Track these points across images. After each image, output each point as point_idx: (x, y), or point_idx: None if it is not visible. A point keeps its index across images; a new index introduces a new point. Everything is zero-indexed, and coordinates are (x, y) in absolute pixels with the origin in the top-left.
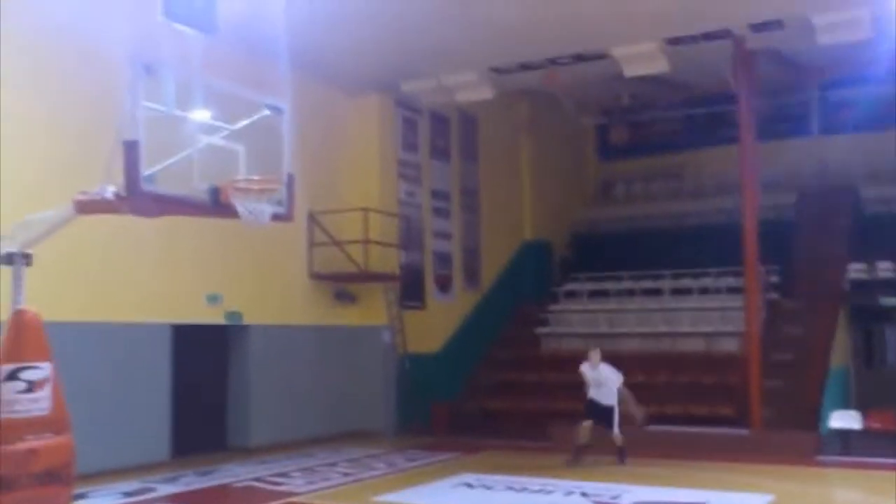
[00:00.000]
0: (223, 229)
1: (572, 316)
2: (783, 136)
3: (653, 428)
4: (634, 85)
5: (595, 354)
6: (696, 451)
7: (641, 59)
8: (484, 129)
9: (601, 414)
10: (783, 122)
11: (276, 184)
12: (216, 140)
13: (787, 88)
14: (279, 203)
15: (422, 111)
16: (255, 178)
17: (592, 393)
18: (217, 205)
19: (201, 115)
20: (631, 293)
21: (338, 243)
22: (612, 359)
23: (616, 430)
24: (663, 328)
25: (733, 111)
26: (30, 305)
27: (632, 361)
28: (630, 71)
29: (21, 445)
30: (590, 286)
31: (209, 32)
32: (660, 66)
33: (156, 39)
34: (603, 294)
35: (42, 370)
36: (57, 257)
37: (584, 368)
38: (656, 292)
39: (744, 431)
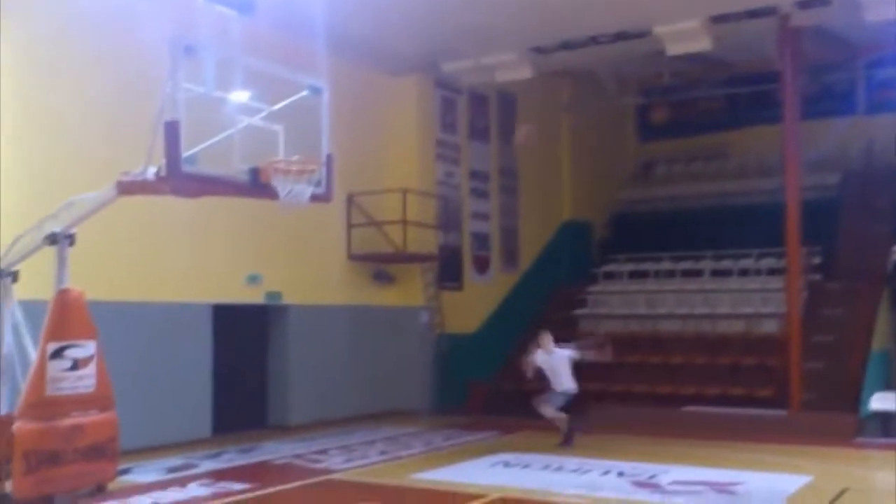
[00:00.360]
0: (263, 210)
1: (611, 297)
2: (828, 115)
3: (691, 409)
4: (676, 63)
5: (547, 338)
6: (735, 432)
7: (684, 37)
8: (524, 108)
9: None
10: (828, 100)
11: (316, 165)
12: (256, 121)
13: (832, 66)
14: (318, 184)
15: (461, 91)
16: (295, 159)
17: (552, 383)
18: (256, 185)
19: (241, 95)
20: (671, 274)
21: (376, 224)
22: (652, 340)
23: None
24: (703, 310)
25: (777, 90)
26: (74, 285)
27: (671, 343)
28: (672, 49)
29: (67, 421)
30: (629, 267)
31: (248, 13)
32: (703, 45)
33: (196, 21)
34: (642, 275)
35: (87, 348)
36: (101, 238)
37: (538, 357)
38: (696, 273)
39: (783, 413)
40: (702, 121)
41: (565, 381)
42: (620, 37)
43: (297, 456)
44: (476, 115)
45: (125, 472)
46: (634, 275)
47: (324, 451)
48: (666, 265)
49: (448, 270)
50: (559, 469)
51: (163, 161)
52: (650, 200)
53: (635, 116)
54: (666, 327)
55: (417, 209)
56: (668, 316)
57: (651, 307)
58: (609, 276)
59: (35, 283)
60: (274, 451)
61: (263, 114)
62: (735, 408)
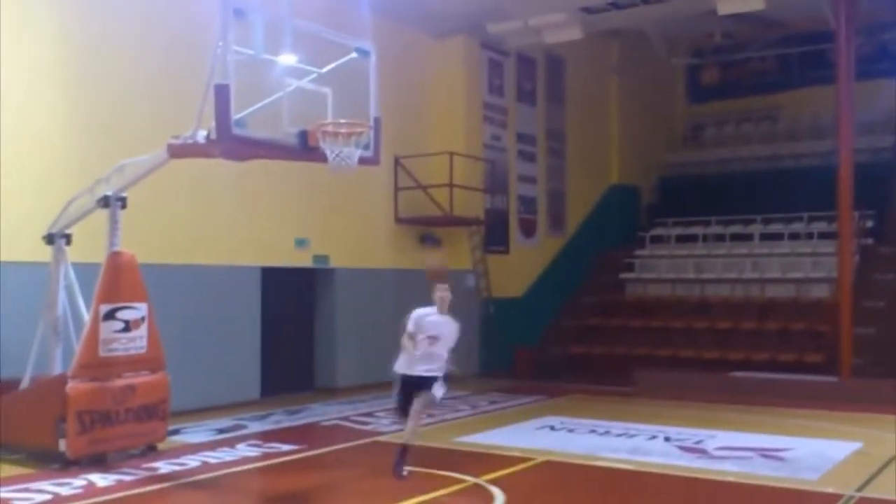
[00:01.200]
0: (311, 174)
1: (659, 261)
2: (882, 76)
3: (739, 374)
4: (727, 23)
5: (444, 292)
6: (784, 398)
7: None
8: (571, 70)
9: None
10: (882, 61)
11: (364, 127)
12: (305, 84)
13: (887, 26)
14: (366, 147)
15: (508, 53)
16: (343, 121)
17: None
18: (305, 148)
19: (290, 58)
20: (720, 238)
21: (423, 187)
22: (699, 305)
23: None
24: (752, 274)
25: (830, 50)
26: (126, 248)
27: (719, 308)
28: (724, 8)
29: (119, 382)
30: (677, 231)
31: None
32: (755, 4)
33: None
34: (691, 239)
35: (138, 310)
36: (153, 201)
37: (428, 315)
38: (746, 238)
39: (833, 379)
40: (753, 82)
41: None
42: None
43: (345, 418)
44: (523, 77)
45: (175, 432)
46: (682, 239)
47: (370, 414)
48: (714, 229)
49: (495, 234)
50: (605, 433)
51: (213, 124)
52: (699, 163)
53: (685, 77)
54: (714, 292)
55: (464, 172)
56: (717, 280)
57: (699, 271)
58: (656, 240)
59: (88, 245)
60: (321, 413)
61: (312, 77)
62: (784, 374)
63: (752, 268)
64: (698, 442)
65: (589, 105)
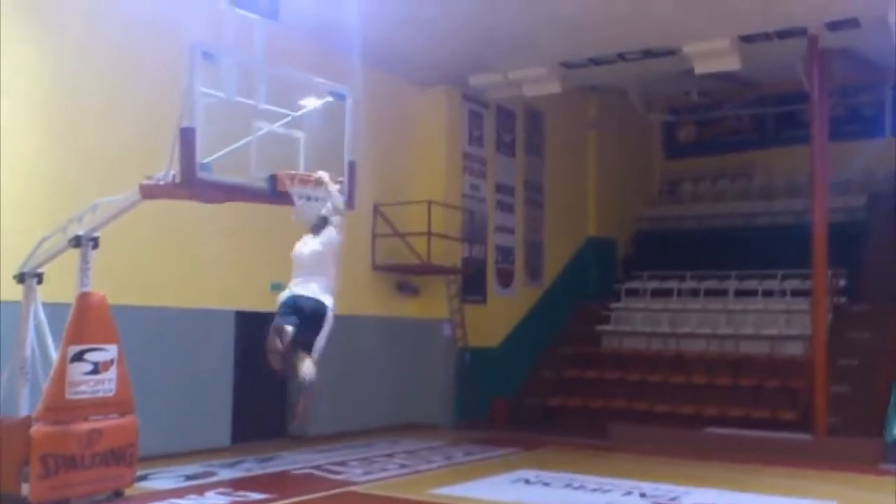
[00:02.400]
0: (287, 217)
1: (634, 314)
2: (855, 137)
3: (714, 430)
4: (704, 82)
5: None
6: (758, 455)
7: (713, 55)
8: (550, 123)
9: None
10: (856, 122)
11: (331, 182)
12: (276, 128)
13: (860, 88)
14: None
15: (488, 105)
16: (311, 173)
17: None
18: (274, 193)
19: (263, 102)
20: (695, 293)
21: (401, 235)
22: (674, 359)
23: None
24: (727, 330)
25: (805, 110)
26: (98, 288)
27: (694, 363)
28: (701, 68)
29: (86, 425)
30: (653, 285)
31: (272, 18)
32: (731, 64)
33: (219, 25)
34: (666, 293)
35: (107, 352)
36: (126, 242)
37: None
38: (721, 293)
39: (807, 437)
40: (728, 140)
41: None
42: (648, 54)
43: (317, 467)
44: (503, 128)
45: (143, 478)
46: (658, 293)
47: (343, 463)
48: (690, 284)
49: (472, 283)
50: (580, 488)
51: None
52: (675, 218)
53: (662, 133)
54: (689, 346)
55: (443, 221)
56: (692, 335)
57: (674, 326)
58: (632, 292)
59: (60, 285)
60: (293, 461)
61: (285, 120)
62: (758, 430)
63: (726, 323)
64: (673, 499)
65: (567, 157)
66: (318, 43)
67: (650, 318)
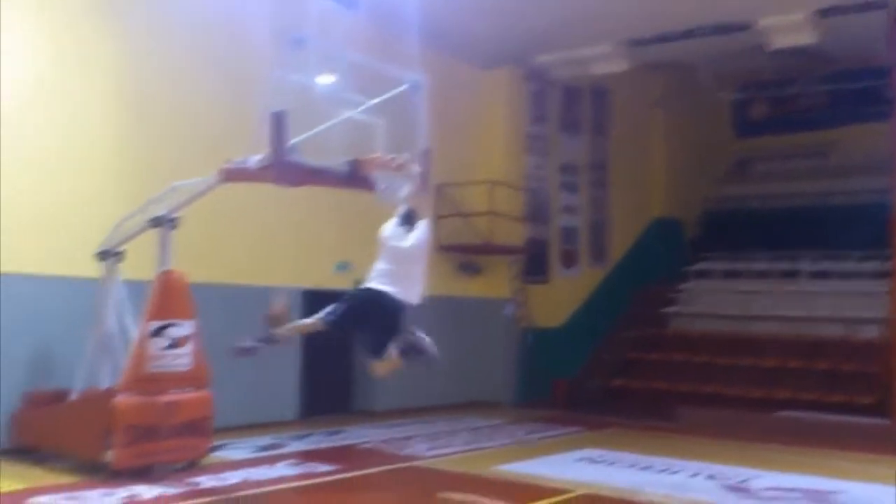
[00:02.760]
0: (353, 199)
1: (702, 296)
2: None
3: (786, 413)
4: (777, 58)
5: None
6: (833, 439)
7: (788, 30)
8: (616, 102)
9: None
10: None
11: (413, 166)
12: (356, 114)
13: None
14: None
15: (553, 84)
16: (392, 156)
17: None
18: (355, 178)
19: (342, 87)
20: (766, 274)
21: (464, 215)
22: (745, 342)
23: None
24: (800, 312)
25: (884, 86)
26: (176, 266)
27: (765, 345)
28: (776, 43)
29: (165, 398)
30: (722, 266)
31: (351, 7)
32: (808, 38)
33: (300, 13)
34: (736, 274)
35: (185, 328)
36: (201, 222)
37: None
38: (793, 274)
39: (884, 421)
40: (804, 117)
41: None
42: (720, 30)
43: (382, 441)
44: (567, 107)
45: (217, 448)
46: (728, 274)
47: (408, 438)
48: (761, 265)
49: (535, 264)
50: (647, 468)
51: (267, 149)
52: (746, 198)
53: (732, 111)
54: (760, 329)
55: (505, 201)
56: (763, 317)
57: (744, 308)
58: (701, 274)
59: (139, 263)
60: (359, 435)
61: (364, 107)
62: (832, 414)
63: (800, 305)
64: (743, 481)
65: (633, 136)
66: (384, 28)
67: (719, 300)
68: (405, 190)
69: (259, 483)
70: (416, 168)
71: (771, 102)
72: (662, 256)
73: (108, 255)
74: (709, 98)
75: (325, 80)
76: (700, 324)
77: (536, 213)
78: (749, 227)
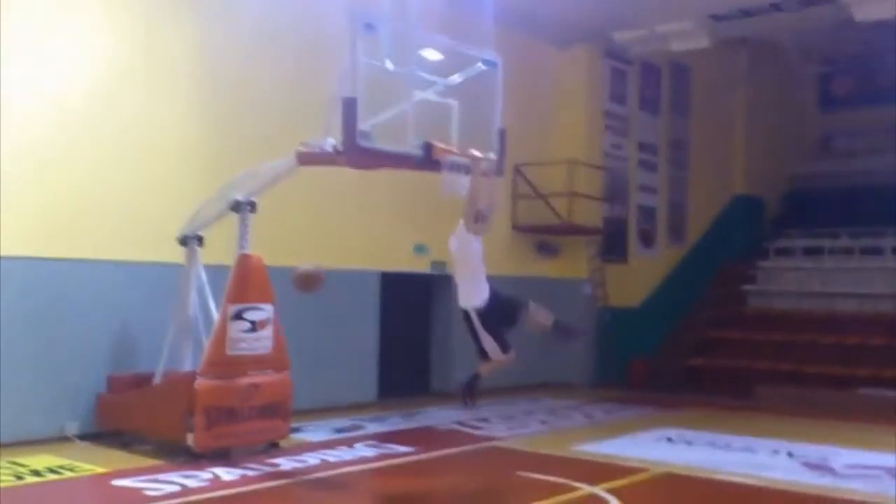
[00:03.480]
0: (431, 181)
1: (783, 274)
2: None
3: (868, 391)
4: (863, 31)
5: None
6: None
7: (873, 2)
8: (697, 79)
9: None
10: None
11: (485, 164)
12: (430, 95)
13: None
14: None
15: (632, 62)
16: (468, 151)
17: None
18: (428, 161)
19: (417, 70)
20: (849, 252)
21: (542, 196)
22: (826, 319)
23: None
24: (883, 289)
25: None
26: (253, 250)
27: (846, 323)
28: (861, 16)
29: (245, 380)
30: (804, 243)
31: None
32: (893, 10)
33: None
34: (818, 252)
35: (265, 311)
36: (279, 206)
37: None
38: (877, 252)
39: None
40: (889, 92)
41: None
42: (804, 3)
43: (460, 423)
44: (647, 85)
45: (296, 430)
46: (809, 252)
47: (485, 419)
48: (844, 242)
49: (613, 243)
50: (726, 447)
51: (340, 134)
52: (829, 175)
53: (816, 86)
54: (841, 306)
55: (583, 181)
56: (845, 294)
57: (826, 285)
58: (782, 252)
59: (219, 248)
60: (437, 417)
61: (438, 88)
62: None
63: (882, 283)
64: (824, 459)
65: (714, 114)
66: (459, 7)
67: (800, 278)
68: (466, 184)
69: (338, 465)
70: (488, 165)
71: (856, 76)
72: (742, 234)
73: (189, 239)
74: (792, 73)
75: (399, 62)
76: (780, 302)
77: (615, 192)
78: (832, 203)
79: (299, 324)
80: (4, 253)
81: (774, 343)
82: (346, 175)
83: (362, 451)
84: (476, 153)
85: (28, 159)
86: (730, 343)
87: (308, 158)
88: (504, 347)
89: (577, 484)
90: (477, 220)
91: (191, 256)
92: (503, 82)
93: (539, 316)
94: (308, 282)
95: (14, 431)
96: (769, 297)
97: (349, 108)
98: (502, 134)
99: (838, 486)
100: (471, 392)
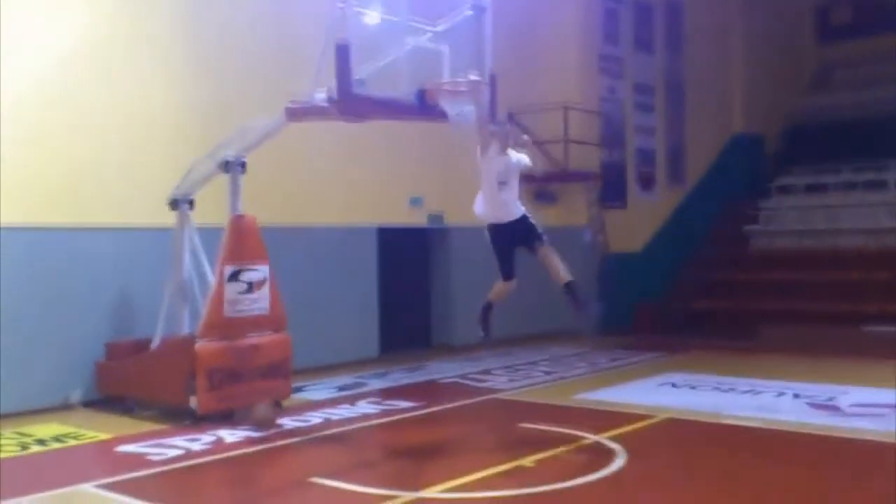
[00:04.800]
0: (423, 132)
1: (786, 212)
2: None
3: (873, 328)
4: None
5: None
6: None
7: None
8: (691, 15)
9: (518, 233)
10: None
11: (483, 87)
12: (422, 42)
13: None
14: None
15: (623, 1)
16: (462, 80)
17: (494, 203)
18: (424, 107)
19: (406, 16)
20: (851, 186)
21: (537, 143)
22: (830, 257)
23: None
24: (888, 223)
25: None
26: (246, 210)
27: (851, 259)
28: None
29: (244, 341)
30: (806, 180)
31: None
32: None
33: None
34: (820, 188)
35: (260, 272)
36: (270, 164)
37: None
38: (880, 185)
39: None
40: (888, 21)
41: (513, 203)
42: None
43: (463, 376)
44: (641, 24)
45: (299, 389)
46: (811, 188)
47: (488, 371)
48: (846, 177)
49: (612, 188)
50: (730, 390)
51: (332, 84)
52: (829, 108)
53: (814, 17)
54: (846, 243)
55: (579, 126)
56: (849, 231)
57: (829, 222)
58: (784, 189)
59: (210, 209)
60: (440, 370)
61: (428, 35)
62: None
63: (887, 216)
64: (830, 399)
65: (710, 51)
66: None
67: (803, 216)
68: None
69: (341, 422)
70: (485, 88)
71: (855, 5)
72: (743, 173)
73: (180, 202)
74: (789, 4)
75: (388, 9)
76: (784, 241)
77: (611, 136)
78: (833, 138)
79: (299, 283)
80: (6, 222)
81: (779, 282)
82: (338, 131)
83: (365, 408)
84: (474, 76)
85: (23, 128)
86: (735, 284)
87: (299, 113)
88: (507, 273)
89: (580, 433)
90: (494, 139)
91: (182, 219)
92: (493, 27)
93: (553, 261)
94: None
95: (18, 401)
96: (772, 237)
97: (342, 55)
98: (493, 79)
99: (844, 425)
100: (485, 321)
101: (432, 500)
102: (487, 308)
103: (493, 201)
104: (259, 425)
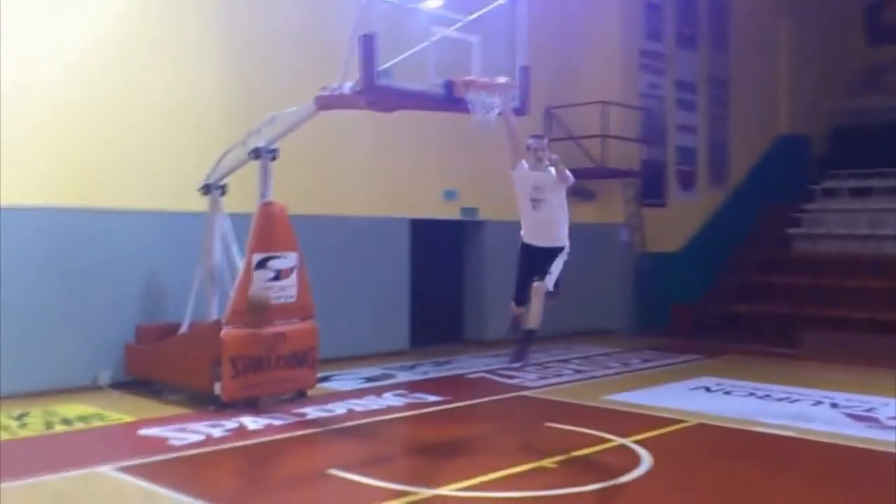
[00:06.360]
0: (459, 125)
1: (829, 215)
2: None
3: None
4: None
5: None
6: None
7: None
8: (737, 12)
9: (548, 261)
10: None
11: (510, 83)
12: (450, 32)
13: None
14: (514, 98)
15: None
16: (486, 79)
17: (530, 222)
18: (451, 99)
19: (435, 6)
20: None
21: (575, 138)
22: (875, 263)
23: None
24: None
25: None
26: (277, 198)
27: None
28: None
29: (270, 329)
30: (851, 184)
31: None
32: None
33: None
34: (866, 192)
35: (289, 259)
36: (301, 153)
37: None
38: None
39: None
40: None
41: (554, 226)
42: None
43: (491, 371)
44: (684, 21)
45: (325, 379)
46: (857, 192)
47: (518, 368)
48: (893, 182)
49: (651, 186)
50: (765, 397)
51: (359, 75)
52: (878, 111)
53: (864, 17)
54: (891, 249)
55: (619, 122)
56: (894, 237)
57: (875, 227)
58: (828, 193)
59: (241, 196)
60: (468, 365)
61: (459, 25)
62: None
63: None
64: (869, 410)
65: (756, 49)
66: None
67: (848, 220)
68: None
69: (364, 414)
70: (514, 89)
71: None
72: (786, 175)
73: (212, 188)
74: (838, 4)
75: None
76: (827, 244)
77: (652, 133)
78: (880, 141)
79: (331, 273)
80: (38, 203)
81: (821, 287)
82: (373, 122)
83: (390, 400)
84: (502, 80)
85: (58, 109)
86: (775, 288)
87: (328, 102)
88: (518, 299)
89: (606, 435)
90: (527, 153)
91: (214, 206)
92: (532, 19)
93: (535, 303)
94: (256, 310)
95: (49, 379)
96: (815, 240)
97: (367, 46)
98: (526, 71)
99: (883, 438)
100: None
101: (447, 498)
102: (515, 322)
103: (529, 220)
104: (253, 310)
